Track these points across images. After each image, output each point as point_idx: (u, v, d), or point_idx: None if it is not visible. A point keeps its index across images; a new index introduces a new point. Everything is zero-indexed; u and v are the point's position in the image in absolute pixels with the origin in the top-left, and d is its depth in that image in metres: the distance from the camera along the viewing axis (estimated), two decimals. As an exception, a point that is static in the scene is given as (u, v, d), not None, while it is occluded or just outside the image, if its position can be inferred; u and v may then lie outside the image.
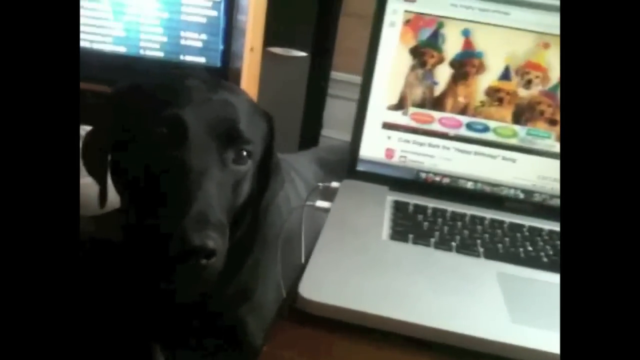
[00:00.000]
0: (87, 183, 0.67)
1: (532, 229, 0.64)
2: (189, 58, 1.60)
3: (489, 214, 0.66)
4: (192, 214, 0.54)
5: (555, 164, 0.69)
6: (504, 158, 0.70)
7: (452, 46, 0.68)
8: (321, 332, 0.44)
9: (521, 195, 0.70)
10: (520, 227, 0.64)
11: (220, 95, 0.64)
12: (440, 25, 0.67)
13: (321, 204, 0.65)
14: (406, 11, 0.68)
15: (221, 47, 1.61)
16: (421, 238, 0.58)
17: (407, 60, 0.69)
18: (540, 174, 0.69)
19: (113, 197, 0.69)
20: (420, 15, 0.67)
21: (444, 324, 0.44)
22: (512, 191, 0.70)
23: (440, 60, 0.68)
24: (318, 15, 1.99)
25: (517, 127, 0.69)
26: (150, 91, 0.64)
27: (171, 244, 0.53)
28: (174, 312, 0.75)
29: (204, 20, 1.60)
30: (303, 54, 1.99)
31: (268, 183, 0.71)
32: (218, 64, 1.63)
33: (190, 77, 0.65)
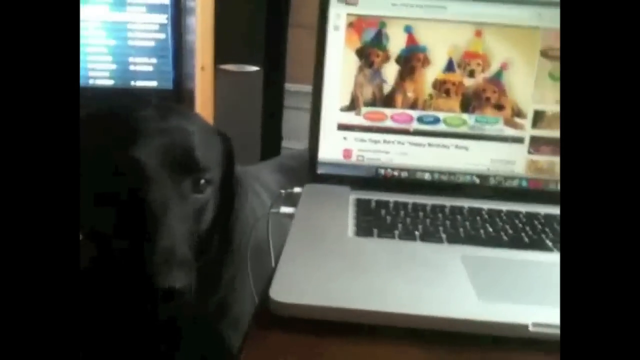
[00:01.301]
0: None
1: (490, 211, 0.66)
2: (140, 83, 1.59)
3: (448, 202, 0.68)
4: (158, 254, 0.53)
5: (506, 147, 0.72)
6: (456, 147, 0.72)
7: (396, 43, 0.70)
8: (302, 335, 0.44)
9: (477, 181, 0.73)
10: (479, 210, 0.67)
11: (172, 122, 0.63)
12: (383, 25, 0.70)
13: (285, 209, 0.66)
14: (349, 14, 0.69)
15: (172, 69, 1.61)
16: (385, 231, 0.59)
17: (355, 62, 0.70)
18: (493, 157, 0.72)
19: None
20: (362, 17, 0.69)
21: (415, 309, 0.45)
22: (467, 177, 0.73)
23: (386, 59, 0.70)
24: (267, 28, 2.01)
25: (465, 116, 0.71)
26: (99, 128, 0.62)
27: (139, 288, 0.53)
28: (142, 332, 0.74)
29: (152, 43, 1.60)
30: (255, 68, 2.00)
31: (232, 203, 0.71)
32: (170, 86, 1.62)
33: (141, 106, 0.64)
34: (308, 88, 0.73)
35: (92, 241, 0.62)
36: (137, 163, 0.58)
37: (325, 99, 0.72)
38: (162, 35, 1.60)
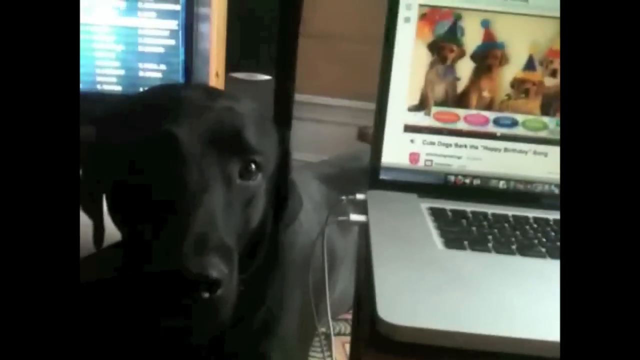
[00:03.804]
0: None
1: (580, 224, 0.60)
2: (148, 90, 1.53)
3: (529, 213, 0.62)
4: (190, 238, 0.46)
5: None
6: (535, 152, 0.66)
7: (472, 38, 0.64)
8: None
9: (556, 191, 0.66)
10: (566, 223, 0.60)
11: (221, 103, 0.57)
12: (458, 17, 0.64)
13: (355, 217, 0.59)
14: (421, 5, 0.63)
15: (182, 76, 1.55)
16: (477, 244, 0.52)
17: (426, 57, 0.64)
18: (574, 165, 0.66)
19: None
20: (436, 8, 0.63)
21: (549, 335, 0.38)
22: (546, 187, 0.66)
23: (461, 54, 0.64)
24: (279, 37, 1.96)
25: (546, 119, 0.65)
26: (139, 109, 0.57)
27: (167, 275, 0.44)
28: (185, 354, 0.66)
29: (162, 50, 1.53)
30: (267, 77, 1.94)
31: (285, 203, 0.64)
32: (180, 93, 1.55)
33: (188, 87, 0.59)
34: (318, 99, 0.67)
35: (124, 229, 0.57)
36: (171, 137, 0.52)
37: (391, 97, 0.65)
38: (172, 42, 1.53)
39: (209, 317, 0.47)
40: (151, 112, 0.55)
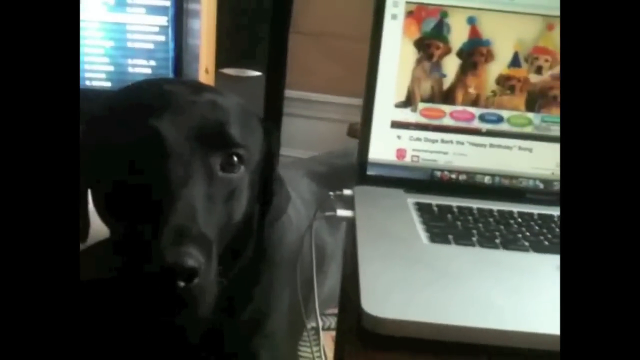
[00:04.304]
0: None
1: (564, 218, 0.61)
2: (138, 85, 1.52)
3: (514, 207, 0.63)
4: (169, 228, 0.47)
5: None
6: (520, 148, 0.67)
7: (458, 35, 0.65)
8: (393, 355, 0.38)
9: (541, 186, 0.67)
10: (550, 217, 0.61)
11: (205, 97, 0.57)
12: (444, 15, 0.64)
13: (342, 212, 0.59)
14: (408, 2, 0.64)
15: (171, 71, 1.54)
16: (462, 238, 0.53)
17: (413, 54, 0.65)
18: (559, 161, 0.67)
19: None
20: (422, 5, 0.64)
21: (536, 327, 0.39)
22: (531, 182, 0.67)
23: (447, 51, 0.65)
24: (271, 33, 1.95)
25: (531, 115, 0.66)
26: (122, 104, 0.58)
27: (146, 265, 0.46)
28: (184, 354, 0.66)
29: (151, 46, 1.53)
30: (257, 73, 1.94)
31: (270, 199, 0.65)
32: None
33: (172, 81, 0.60)
34: (308, 95, 0.67)
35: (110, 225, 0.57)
36: (156, 134, 0.52)
37: (379, 93, 0.65)
38: (162, 38, 1.53)
39: (188, 307, 0.48)
40: (135, 108, 0.55)
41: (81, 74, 1.46)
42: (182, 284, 0.46)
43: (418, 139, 0.67)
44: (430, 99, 0.66)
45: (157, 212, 0.48)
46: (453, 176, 0.67)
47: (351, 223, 0.58)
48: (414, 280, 0.44)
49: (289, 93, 2.20)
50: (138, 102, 0.56)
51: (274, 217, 0.66)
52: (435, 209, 0.61)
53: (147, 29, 1.50)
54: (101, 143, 0.55)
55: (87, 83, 1.49)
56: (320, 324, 1.05)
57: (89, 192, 0.60)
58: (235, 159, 0.56)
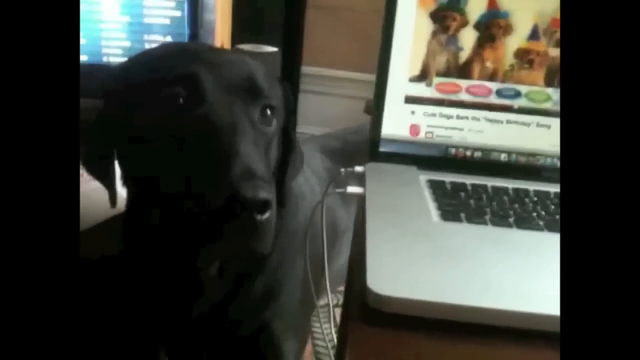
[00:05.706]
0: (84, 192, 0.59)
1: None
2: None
3: (530, 186, 0.61)
4: (237, 168, 0.48)
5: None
6: (538, 124, 0.64)
7: (475, 7, 0.62)
8: (398, 333, 0.37)
9: (558, 163, 0.65)
10: (567, 196, 0.59)
11: (231, 54, 0.60)
12: (461, -15, 0.62)
13: (353, 189, 0.58)
14: (423, -28, 0.61)
15: (187, 47, 1.53)
16: (475, 216, 0.52)
17: (428, 26, 0.63)
18: (578, 138, 0.64)
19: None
20: (439, -25, 0.62)
21: (545, 308, 0.38)
22: (548, 160, 0.65)
23: (464, 23, 0.63)
24: (286, 8, 1.92)
25: (550, 90, 0.64)
26: (153, 62, 0.58)
27: (217, 200, 0.46)
28: (188, 323, 0.67)
29: (167, 21, 1.51)
30: (274, 49, 1.92)
31: (288, 158, 0.65)
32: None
33: (195, 43, 0.62)
34: (324, 71, 0.65)
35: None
36: (198, 80, 0.54)
37: (392, 67, 0.64)
38: (178, 13, 1.52)
39: (258, 238, 0.50)
40: (168, 60, 0.57)
41: (98, 50, 1.47)
42: (259, 217, 0.48)
43: (433, 115, 0.65)
44: (445, 73, 0.64)
45: (214, 157, 0.49)
46: (468, 153, 0.66)
47: (362, 200, 0.57)
48: (421, 258, 0.43)
49: (305, 69, 2.17)
50: (168, 58, 0.57)
51: (292, 175, 0.67)
52: (449, 186, 0.60)
53: (164, 3, 1.49)
54: (133, 103, 0.56)
55: (104, 59, 1.50)
56: (335, 300, 1.05)
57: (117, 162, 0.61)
58: (269, 111, 0.58)
